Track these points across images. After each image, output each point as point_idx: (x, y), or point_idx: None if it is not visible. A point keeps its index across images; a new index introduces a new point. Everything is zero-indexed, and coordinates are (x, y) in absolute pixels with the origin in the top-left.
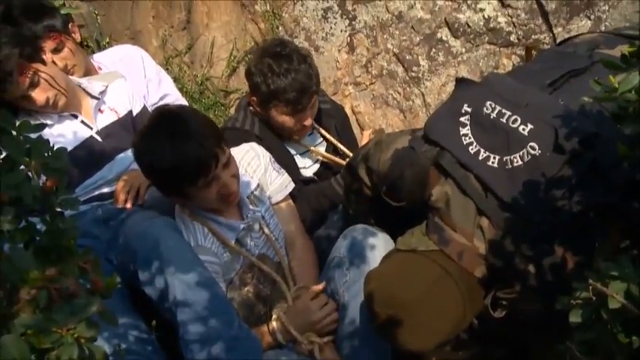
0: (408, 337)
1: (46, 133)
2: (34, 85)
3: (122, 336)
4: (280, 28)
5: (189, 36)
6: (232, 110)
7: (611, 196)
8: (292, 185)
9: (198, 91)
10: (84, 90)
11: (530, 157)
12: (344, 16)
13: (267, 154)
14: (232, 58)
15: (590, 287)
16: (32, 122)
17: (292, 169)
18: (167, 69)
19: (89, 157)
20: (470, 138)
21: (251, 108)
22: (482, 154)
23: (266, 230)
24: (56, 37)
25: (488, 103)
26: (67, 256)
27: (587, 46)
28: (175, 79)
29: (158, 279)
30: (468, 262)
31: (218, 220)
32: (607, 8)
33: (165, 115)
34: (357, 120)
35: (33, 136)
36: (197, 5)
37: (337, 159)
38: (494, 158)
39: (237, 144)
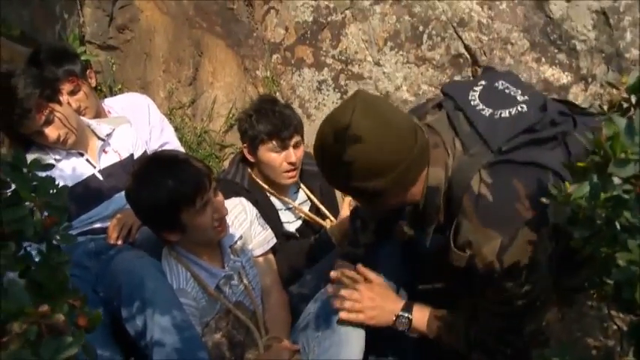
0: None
1: None
2: (48, 122)
3: None
4: (278, 93)
5: (194, 91)
6: (226, 163)
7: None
8: (274, 241)
9: (196, 142)
10: (92, 131)
11: (517, 112)
12: (336, 90)
13: (254, 210)
14: (231, 115)
15: None
16: (43, 157)
17: (275, 222)
18: (170, 118)
19: (89, 193)
20: (475, 96)
21: (243, 164)
22: (479, 106)
23: (244, 280)
24: (74, 80)
25: (501, 81)
26: (59, 293)
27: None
28: (177, 129)
29: (138, 317)
30: (435, 158)
31: (201, 264)
32: None
33: (155, 157)
34: None
35: (41, 174)
36: (204, 65)
37: (318, 219)
38: (488, 110)
39: (227, 194)
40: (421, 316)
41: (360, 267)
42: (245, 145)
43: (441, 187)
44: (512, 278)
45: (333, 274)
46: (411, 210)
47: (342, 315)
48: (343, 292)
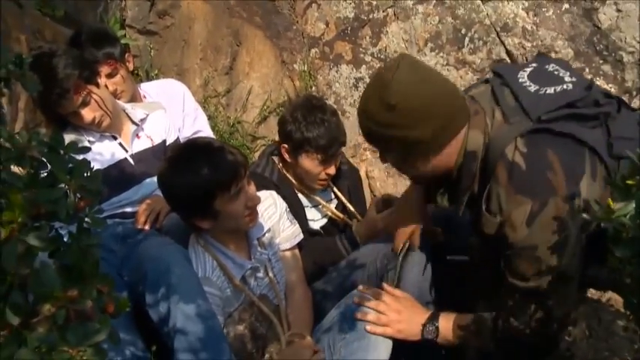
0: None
1: None
2: (85, 104)
3: (119, 350)
4: (314, 88)
5: (230, 81)
6: (257, 155)
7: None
8: (301, 236)
9: (228, 132)
10: (127, 115)
11: (562, 89)
12: None
13: (284, 204)
14: (265, 107)
15: None
16: (78, 138)
17: (301, 219)
18: (204, 107)
19: (120, 177)
20: (523, 75)
21: (274, 158)
22: (526, 83)
23: (270, 273)
24: (112, 63)
25: (552, 64)
26: (89, 276)
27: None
28: (210, 118)
29: (163, 304)
30: (475, 122)
31: (228, 254)
32: None
33: (190, 144)
34: (369, 184)
35: (77, 156)
36: (242, 55)
37: (345, 217)
38: (534, 87)
39: (256, 187)
40: (447, 324)
41: (385, 285)
42: (286, 146)
43: (478, 153)
44: (540, 248)
45: (359, 287)
46: (446, 183)
47: (369, 328)
48: (368, 303)
